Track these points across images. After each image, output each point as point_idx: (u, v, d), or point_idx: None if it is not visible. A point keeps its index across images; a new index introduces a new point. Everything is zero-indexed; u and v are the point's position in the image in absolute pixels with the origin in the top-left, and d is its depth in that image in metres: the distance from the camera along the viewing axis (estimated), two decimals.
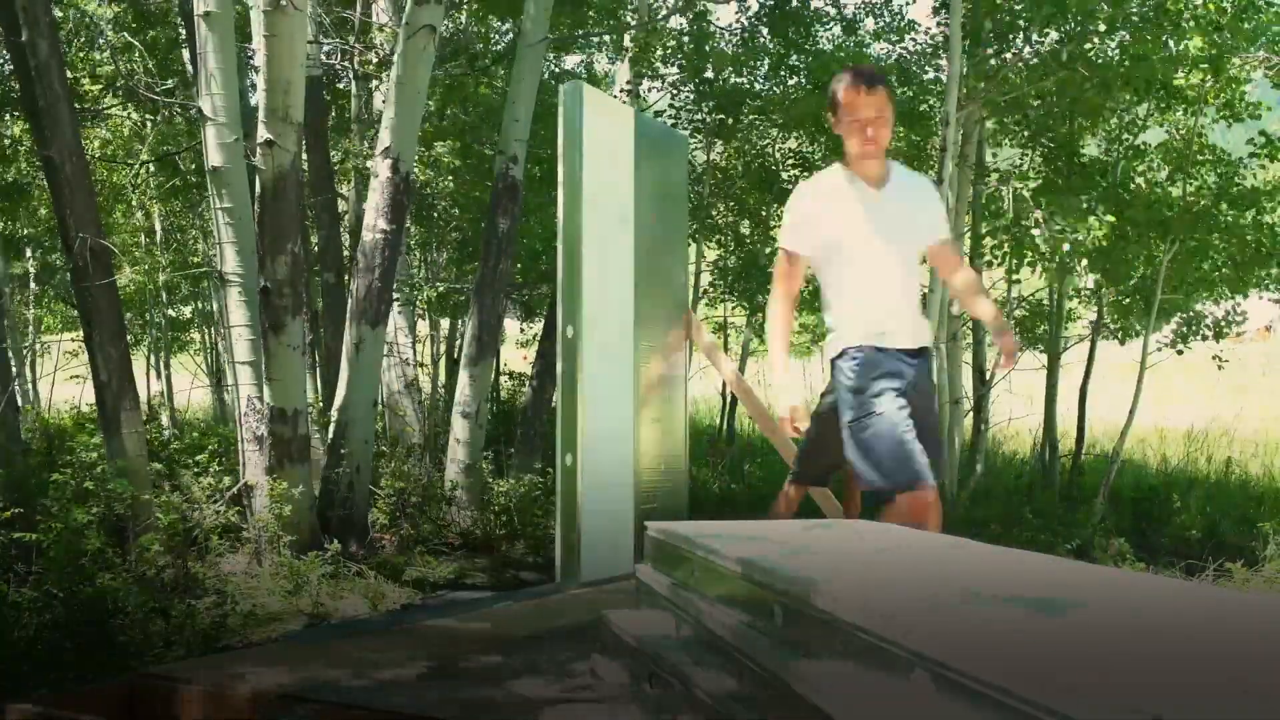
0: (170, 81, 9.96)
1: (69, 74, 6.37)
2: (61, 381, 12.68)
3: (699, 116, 9.26)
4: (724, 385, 9.34)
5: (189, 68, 8.45)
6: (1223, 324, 8.06)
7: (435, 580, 5.52)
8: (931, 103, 8.83)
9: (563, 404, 4.89)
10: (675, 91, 9.51)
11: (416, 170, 8.50)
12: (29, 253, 12.39)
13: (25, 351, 11.62)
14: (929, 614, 1.88)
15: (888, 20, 9.30)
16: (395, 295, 7.37)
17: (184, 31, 8.54)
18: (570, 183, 4.90)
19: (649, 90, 10.08)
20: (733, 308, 10.65)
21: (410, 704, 3.16)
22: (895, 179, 3.65)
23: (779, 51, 9.31)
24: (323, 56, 8.50)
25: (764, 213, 9.92)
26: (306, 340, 6.11)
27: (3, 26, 5.36)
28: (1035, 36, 7.88)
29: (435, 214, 10.38)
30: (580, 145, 4.86)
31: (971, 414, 8.70)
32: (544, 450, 7.04)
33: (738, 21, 9.46)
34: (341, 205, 9.33)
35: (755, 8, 9.43)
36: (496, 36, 10.61)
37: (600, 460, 4.99)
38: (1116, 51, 7.55)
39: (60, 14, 9.14)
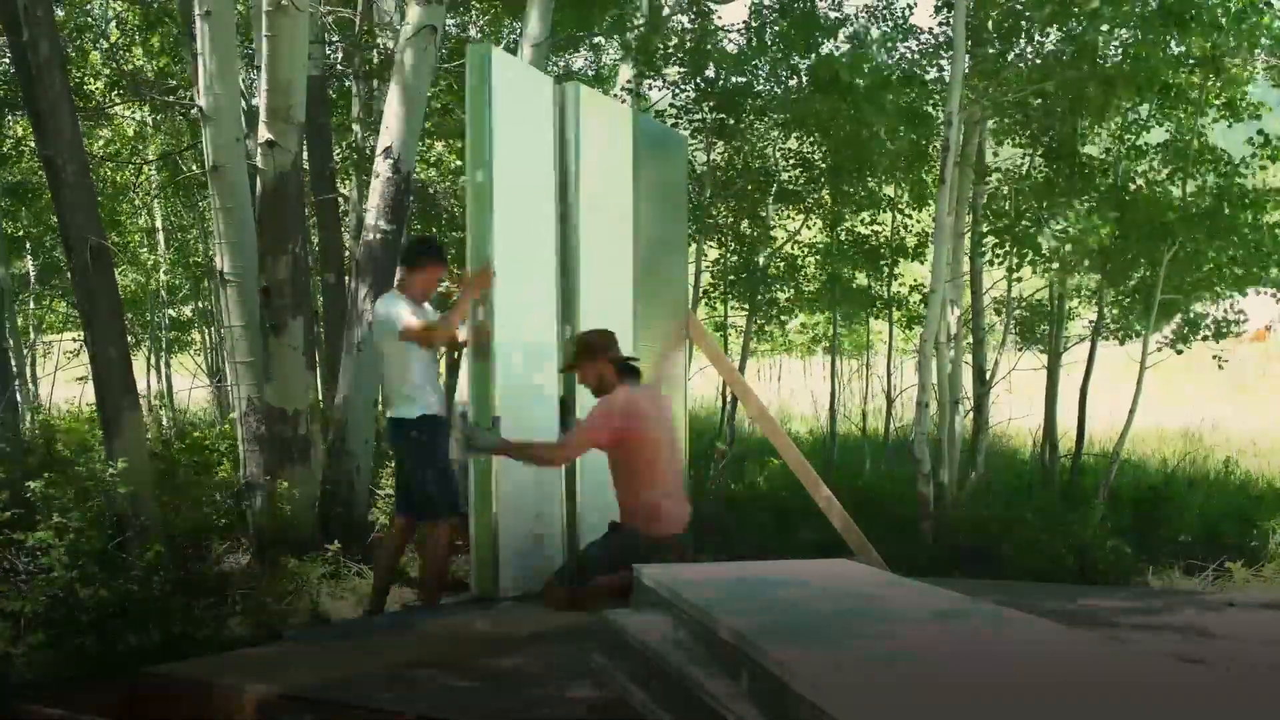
0: (173, 81, 9.96)
1: (71, 74, 6.37)
2: (63, 382, 12.69)
3: (699, 116, 9.25)
4: (724, 385, 9.34)
5: (189, 67, 8.43)
6: (1223, 324, 8.05)
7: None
8: (934, 102, 8.82)
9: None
10: (676, 91, 9.50)
11: (418, 170, 8.50)
12: (28, 250, 12.37)
13: (26, 351, 11.60)
14: None
15: (890, 25, 9.28)
16: None
17: (187, 31, 8.53)
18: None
19: (649, 89, 10.06)
20: (733, 308, 10.64)
21: (411, 704, 3.16)
22: None
23: (780, 52, 9.30)
24: (325, 56, 8.49)
25: (764, 213, 9.90)
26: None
27: (4, 26, 5.35)
28: (1038, 36, 7.87)
29: (435, 213, 10.37)
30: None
31: (971, 414, 8.70)
32: None
33: (743, 23, 9.43)
34: (342, 205, 9.33)
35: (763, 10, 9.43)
36: (504, 37, 10.60)
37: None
38: (1119, 51, 7.54)
39: (62, 13, 9.14)
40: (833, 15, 9.38)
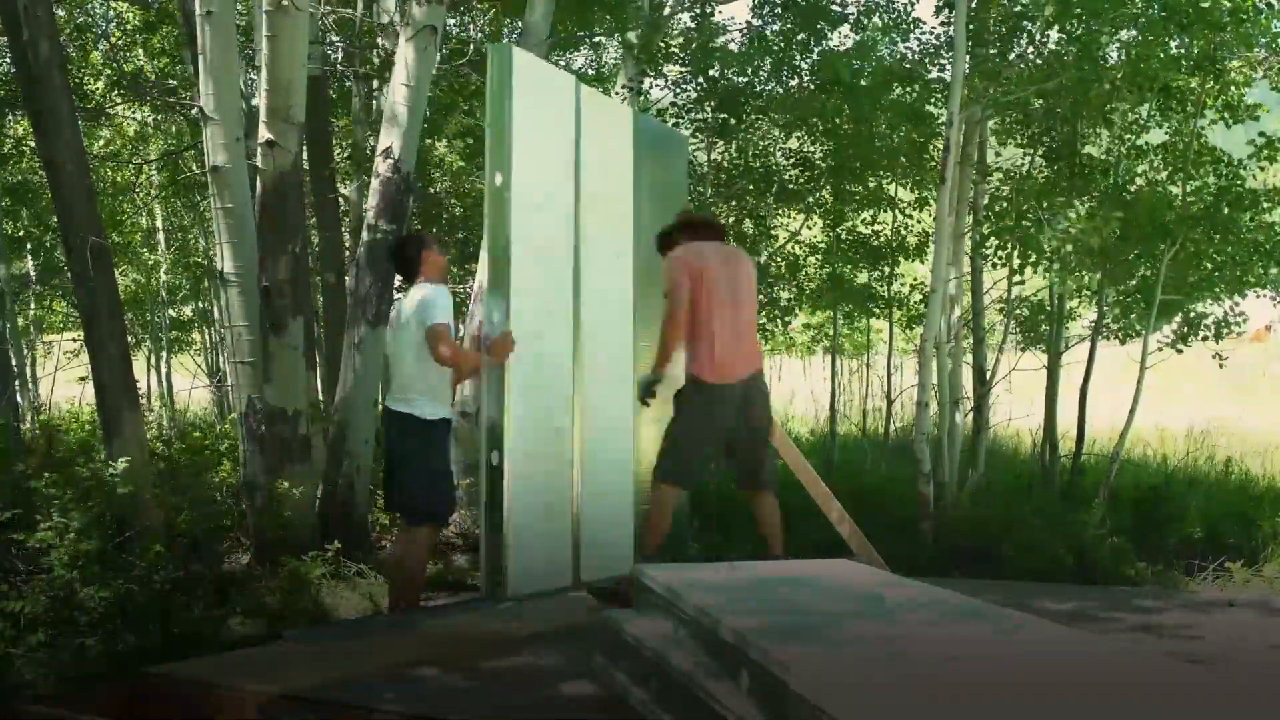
0: (173, 81, 9.96)
1: (71, 74, 6.36)
2: (63, 382, 12.69)
3: (701, 116, 9.25)
4: None
5: (190, 68, 8.44)
6: (1223, 324, 8.05)
7: (436, 580, 5.51)
8: (936, 101, 8.81)
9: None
10: (678, 90, 9.50)
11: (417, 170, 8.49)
12: (28, 251, 12.37)
13: (26, 351, 11.60)
14: None
15: (892, 19, 9.27)
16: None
17: (187, 31, 8.52)
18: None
19: (650, 88, 10.06)
20: None
21: (411, 704, 3.16)
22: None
23: (782, 50, 9.30)
24: (325, 56, 8.49)
25: (764, 213, 9.91)
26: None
27: (4, 26, 5.36)
28: (1039, 36, 7.87)
29: (435, 213, 10.38)
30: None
31: (971, 414, 8.70)
32: None
33: (747, 21, 9.43)
34: (342, 205, 9.33)
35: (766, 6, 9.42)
36: (504, 36, 10.59)
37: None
38: (1120, 52, 7.54)
39: (63, 13, 9.14)
40: (835, 8, 9.37)
